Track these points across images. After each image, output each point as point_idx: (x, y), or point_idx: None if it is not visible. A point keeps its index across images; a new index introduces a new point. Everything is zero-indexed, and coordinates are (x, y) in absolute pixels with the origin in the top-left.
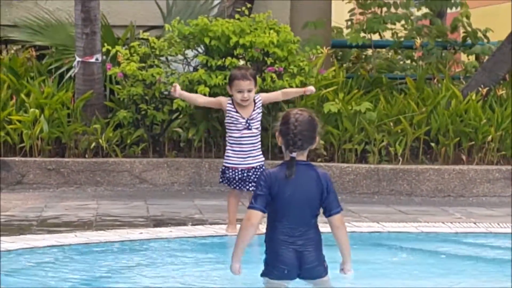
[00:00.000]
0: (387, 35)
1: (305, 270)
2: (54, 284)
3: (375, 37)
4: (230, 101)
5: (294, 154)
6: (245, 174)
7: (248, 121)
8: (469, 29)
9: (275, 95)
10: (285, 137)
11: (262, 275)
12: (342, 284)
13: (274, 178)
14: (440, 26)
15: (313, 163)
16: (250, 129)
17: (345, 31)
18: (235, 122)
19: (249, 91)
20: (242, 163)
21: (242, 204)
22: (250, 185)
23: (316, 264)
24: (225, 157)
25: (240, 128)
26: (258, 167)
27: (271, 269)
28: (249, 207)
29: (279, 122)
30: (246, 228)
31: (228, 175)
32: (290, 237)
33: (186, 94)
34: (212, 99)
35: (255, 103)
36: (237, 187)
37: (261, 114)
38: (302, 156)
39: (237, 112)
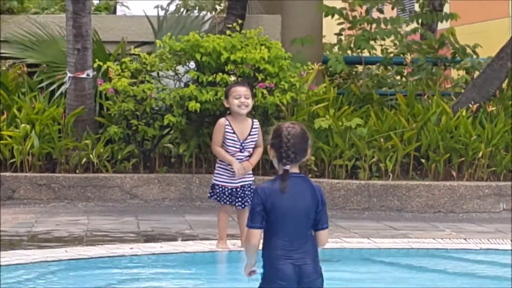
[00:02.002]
0: (378, 51)
1: (304, 284)
2: None
3: (366, 52)
4: (227, 122)
5: (287, 167)
6: (233, 191)
7: (243, 144)
8: (456, 45)
9: (259, 144)
10: (278, 150)
11: None
12: None
13: (268, 192)
14: (430, 41)
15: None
16: (243, 152)
17: (335, 48)
18: (230, 142)
19: (247, 97)
20: (231, 182)
21: (232, 220)
22: (237, 200)
23: (315, 277)
24: (215, 174)
25: (234, 150)
26: (247, 185)
27: (269, 284)
28: (247, 226)
29: (271, 135)
30: (250, 249)
31: (217, 191)
32: (288, 252)
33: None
34: (219, 136)
35: (252, 127)
36: (227, 203)
37: (255, 141)
38: (295, 169)
39: (233, 132)
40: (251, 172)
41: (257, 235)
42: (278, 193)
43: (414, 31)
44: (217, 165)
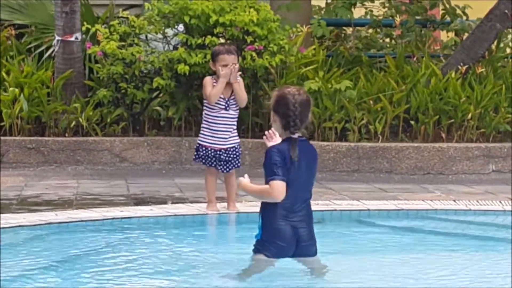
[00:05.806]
0: (361, 12)
1: (300, 248)
2: (34, 263)
3: (357, 14)
4: (214, 80)
5: (296, 135)
6: (217, 153)
7: (228, 101)
8: (447, 6)
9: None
10: (286, 118)
11: (256, 251)
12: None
13: (283, 152)
14: (418, 3)
15: None
16: (228, 110)
17: (323, 12)
18: None
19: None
20: (215, 143)
21: (221, 182)
22: (221, 164)
23: (311, 243)
24: (200, 135)
25: (218, 108)
26: (231, 148)
27: (268, 246)
28: (271, 179)
29: (274, 101)
30: (268, 199)
31: (201, 153)
32: (290, 213)
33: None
34: (209, 87)
35: None
36: (213, 165)
37: None
38: (298, 132)
39: None
40: (236, 135)
41: (281, 187)
42: (289, 156)
43: None
44: (202, 125)
